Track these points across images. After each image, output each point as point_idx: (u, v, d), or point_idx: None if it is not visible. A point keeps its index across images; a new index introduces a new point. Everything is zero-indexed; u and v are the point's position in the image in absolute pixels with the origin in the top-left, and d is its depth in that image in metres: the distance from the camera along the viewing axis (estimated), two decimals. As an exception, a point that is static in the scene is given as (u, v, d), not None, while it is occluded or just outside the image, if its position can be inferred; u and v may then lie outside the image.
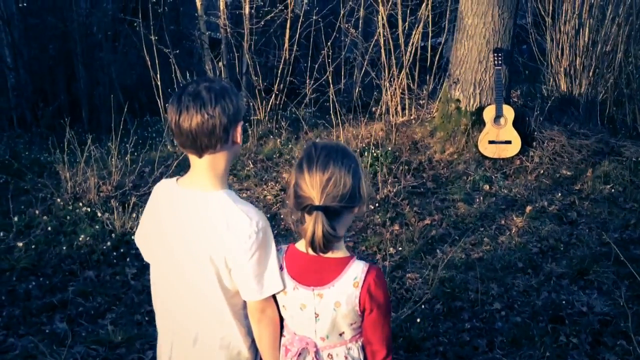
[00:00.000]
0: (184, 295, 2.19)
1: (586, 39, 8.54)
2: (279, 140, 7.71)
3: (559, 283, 4.59)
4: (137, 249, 5.29)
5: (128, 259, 5.03)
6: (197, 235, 2.11)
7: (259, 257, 2.07)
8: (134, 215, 5.56)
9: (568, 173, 6.55)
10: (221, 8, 8.03)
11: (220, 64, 8.28)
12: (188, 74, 7.66)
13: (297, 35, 8.13)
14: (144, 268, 4.88)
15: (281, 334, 2.24)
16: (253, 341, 2.24)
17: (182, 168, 6.84)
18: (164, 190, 2.26)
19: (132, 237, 5.25)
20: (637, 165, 6.62)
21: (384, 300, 2.11)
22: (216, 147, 2.07)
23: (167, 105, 7.97)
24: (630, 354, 3.74)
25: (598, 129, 7.49)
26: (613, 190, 6.22)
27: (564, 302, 4.32)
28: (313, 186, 2.01)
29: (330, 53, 7.75)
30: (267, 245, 2.10)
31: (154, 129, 8.54)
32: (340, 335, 2.14)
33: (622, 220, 5.63)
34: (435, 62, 8.36)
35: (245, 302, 2.18)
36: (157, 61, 7.52)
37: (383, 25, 7.66)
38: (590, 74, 8.53)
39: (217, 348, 2.20)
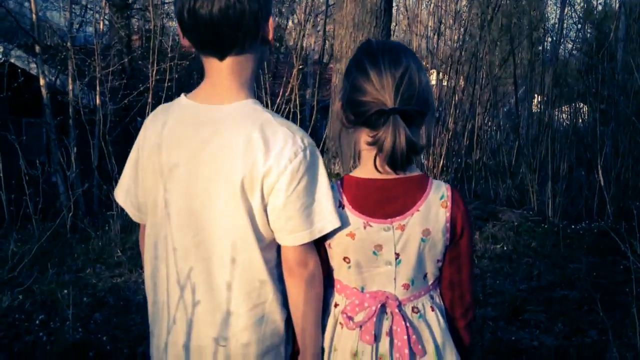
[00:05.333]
0: (200, 253, 1.57)
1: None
2: (145, 230, 6.96)
3: (497, 324, 4.32)
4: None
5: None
6: (222, 159, 1.52)
7: (307, 183, 1.53)
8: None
9: (456, 238, 6.47)
10: (69, 87, 7.38)
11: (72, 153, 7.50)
12: (38, 161, 6.81)
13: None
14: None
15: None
16: (289, 316, 1.63)
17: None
18: (166, 114, 1.64)
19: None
20: (518, 228, 6.73)
21: (471, 225, 1.69)
22: (244, 45, 1.55)
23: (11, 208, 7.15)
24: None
25: (470, 200, 7.64)
26: (505, 248, 6.21)
27: (513, 338, 4.03)
28: (384, 85, 1.55)
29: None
30: (316, 167, 1.55)
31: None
32: (424, 278, 1.65)
33: (525, 272, 5.57)
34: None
35: (279, 259, 1.61)
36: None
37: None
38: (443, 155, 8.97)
39: (245, 325, 1.57)
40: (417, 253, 1.60)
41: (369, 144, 1.59)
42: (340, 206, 1.61)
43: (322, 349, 1.66)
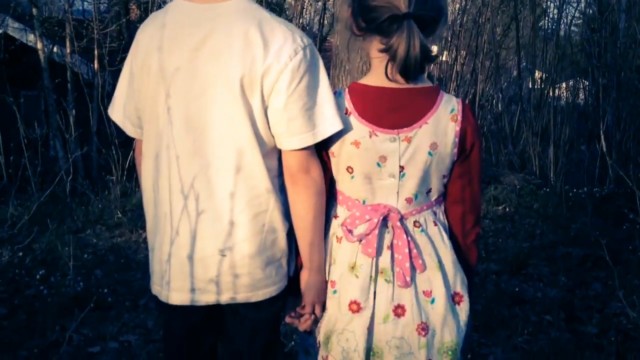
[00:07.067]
0: (199, 160, 1.52)
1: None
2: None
3: (500, 278, 4.29)
4: None
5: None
6: (220, 58, 1.46)
7: (308, 82, 1.48)
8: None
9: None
10: (67, 50, 7.28)
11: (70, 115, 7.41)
12: (36, 124, 6.73)
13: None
14: None
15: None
16: (291, 227, 1.59)
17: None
18: (162, 18, 1.57)
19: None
20: (520, 191, 6.70)
21: (481, 139, 1.64)
22: None
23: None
24: (609, 327, 3.46)
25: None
26: (507, 210, 6.19)
27: (517, 289, 4.01)
28: None
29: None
30: (317, 68, 1.50)
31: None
32: (428, 193, 1.61)
33: (527, 232, 5.54)
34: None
35: (280, 169, 1.57)
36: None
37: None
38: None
39: (246, 235, 1.53)
40: (423, 167, 1.55)
41: (381, 51, 1.52)
42: (346, 113, 1.55)
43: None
